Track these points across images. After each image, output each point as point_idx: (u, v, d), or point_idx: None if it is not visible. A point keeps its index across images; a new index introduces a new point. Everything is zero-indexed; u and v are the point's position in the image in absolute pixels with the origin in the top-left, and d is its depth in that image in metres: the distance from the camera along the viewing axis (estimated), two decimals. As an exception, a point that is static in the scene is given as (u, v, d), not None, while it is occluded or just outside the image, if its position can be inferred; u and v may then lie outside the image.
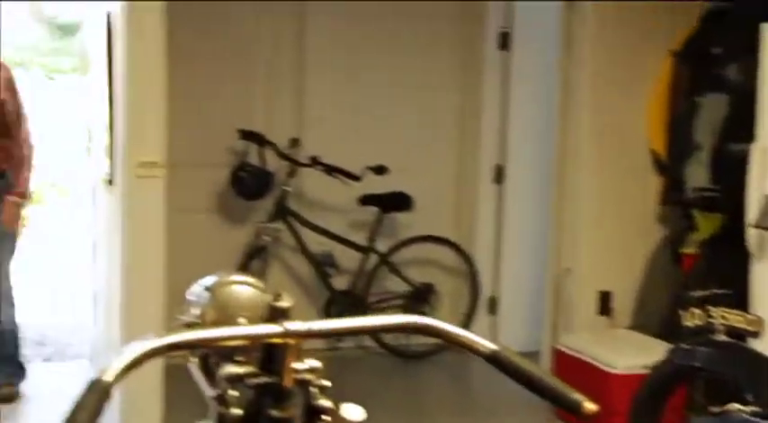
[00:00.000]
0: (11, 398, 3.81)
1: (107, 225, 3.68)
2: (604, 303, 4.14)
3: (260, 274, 4.14)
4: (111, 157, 3.43)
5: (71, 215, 7.88)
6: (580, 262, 4.12)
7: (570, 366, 3.73)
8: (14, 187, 3.75)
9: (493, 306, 4.95)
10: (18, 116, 3.76)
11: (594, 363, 3.63)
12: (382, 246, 4.58)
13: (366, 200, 4.46)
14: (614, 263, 4.12)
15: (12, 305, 3.84)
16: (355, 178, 4.30)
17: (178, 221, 3.72)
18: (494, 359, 1.05)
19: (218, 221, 4.47)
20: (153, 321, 3.18)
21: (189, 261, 3.88)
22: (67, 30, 10.91)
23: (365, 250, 4.53)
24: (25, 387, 3.92)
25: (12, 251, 3.84)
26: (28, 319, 4.08)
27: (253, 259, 4.23)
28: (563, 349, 3.87)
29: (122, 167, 3.23)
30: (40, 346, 4.83)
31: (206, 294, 1.19)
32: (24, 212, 3.89)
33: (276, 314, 1.05)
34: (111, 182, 3.49)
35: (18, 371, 3.91)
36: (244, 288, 1.19)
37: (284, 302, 1.06)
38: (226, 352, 1.12)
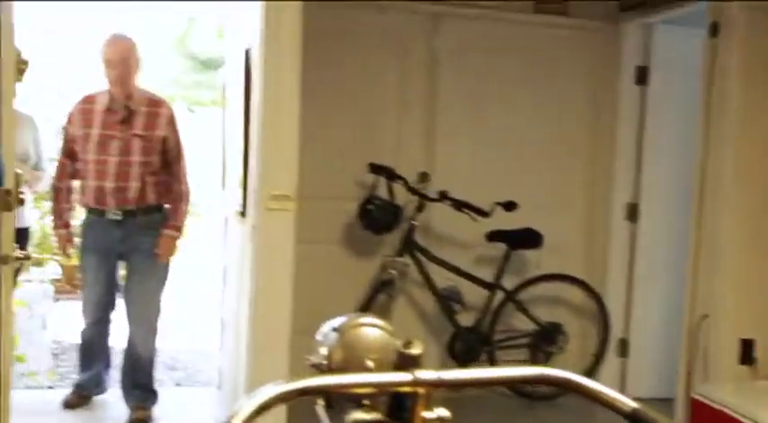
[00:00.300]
0: (143, 421, 3.92)
1: (238, 255, 3.76)
2: (746, 352, 3.90)
3: (385, 308, 4.14)
4: (245, 189, 3.51)
5: (205, 243, 8.14)
6: (720, 307, 3.90)
7: (709, 418, 3.52)
8: (172, 221, 3.94)
9: (623, 348, 4.77)
10: (178, 152, 3.97)
11: (737, 416, 3.41)
12: (509, 283, 4.49)
13: (494, 236, 4.40)
14: (758, 309, 3.88)
15: (154, 333, 3.99)
16: (484, 214, 4.25)
17: (306, 253, 3.77)
18: (634, 417, 0.99)
19: (346, 254, 4.50)
20: (279, 351, 3.21)
21: (316, 292, 3.96)
22: (209, 64, 11.39)
23: (492, 287, 4.46)
24: (156, 411, 4.03)
25: (164, 281, 4.00)
26: (162, 343, 4.20)
27: (379, 293, 4.23)
28: (701, 399, 3.66)
29: (254, 200, 3.29)
30: (171, 371, 4.98)
31: (334, 335, 1.18)
32: (178, 244, 4.00)
33: (406, 362, 1.02)
34: (243, 213, 3.56)
35: (150, 395, 4.03)
36: (372, 330, 1.17)
37: (415, 350, 1.03)
38: (353, 396, 1.10)
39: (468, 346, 4.41)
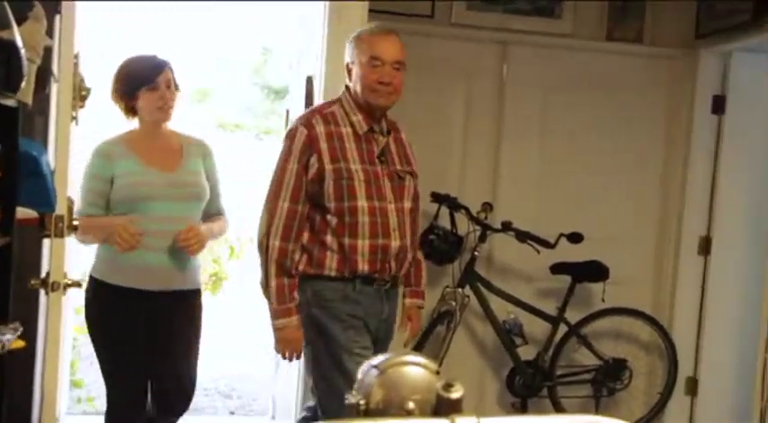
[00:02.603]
0: None
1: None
2: (824, 395, 3.71)
3: (444, 340, 4.05)
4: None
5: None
6: (796, 347, 3.72)
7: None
8: (415, 287, 3.08)
9: (692, 387, 4.59)
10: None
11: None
12: (573, 316, 4.36)
13: (558, 268, 4.29)
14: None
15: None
16: (548, 245, 4.14)
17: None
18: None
19: (406, 283, 4.44)
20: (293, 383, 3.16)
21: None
22: (280, 93, 11.57)
23: (554, 320, 4.34)
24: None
25: None
26: (219, 371, 4.17)
27: (437, 324, 4.15)
28: (774, 444, 3.49)
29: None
30: (226, 399, 4.96)
31: (375, 373, 1.13)
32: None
33: (446, 406, 0.95)
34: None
35: None
36: (415, 369, 1.11)
37: (455, 393, 0.96)
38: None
39: (528, 380, 4.29)
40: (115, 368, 2.97)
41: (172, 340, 3.02)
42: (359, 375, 1.13)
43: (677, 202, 4.61)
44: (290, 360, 2.85)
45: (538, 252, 4.15)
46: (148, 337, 2.95)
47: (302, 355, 2.81)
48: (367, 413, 1.07)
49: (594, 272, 4.29)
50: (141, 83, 2.93)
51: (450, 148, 4.46)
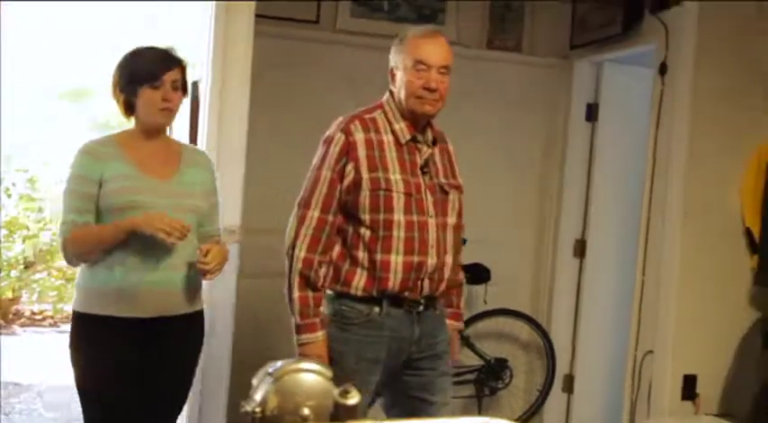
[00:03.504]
0: None
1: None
2: (689, 388, 3.94)
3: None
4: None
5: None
6: (664, 343, 3.93)
7: (652, 455, 3.53)
8: (456, 308, 2.86)
9: (569, 384, 4.77)
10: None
11: (679, 453, 3.43)
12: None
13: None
14: (701, 345, 3.92)
15: None
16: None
17: (250, 287, 3.71)
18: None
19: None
20: (219, 390, 3.14)
21: (258, 326, 3.88)
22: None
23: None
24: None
25: None
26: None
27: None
28: (645, 436, 3.67)
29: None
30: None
31: (270, 380, 1.14)
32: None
33: (343, 412, 0.98)
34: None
35: None
36: (310, 376, 1.13)
37: (352, 399, 0.99)
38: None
39: (414, 381, 4.36)
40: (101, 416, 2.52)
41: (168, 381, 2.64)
42: (254, 382, 1.14)
43: (554, 206, 4.79)
44: None
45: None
46: (141, 378, 2.54)
47: None
48: (263, 420, 1.09)
49: (477, 274, 4.40)
50: (144, 79, 2.55)
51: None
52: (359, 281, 2.50)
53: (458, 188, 2.67)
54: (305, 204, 2.54)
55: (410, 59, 2.50)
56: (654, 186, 4.05)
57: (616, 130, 4.69)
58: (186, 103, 3.65)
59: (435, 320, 2.63)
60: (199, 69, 3.36)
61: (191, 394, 2.84)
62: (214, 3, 3.12)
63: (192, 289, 2.63)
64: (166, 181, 2.60)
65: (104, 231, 2.50)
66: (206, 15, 3.22)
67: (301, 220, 2.53)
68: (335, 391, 1.02)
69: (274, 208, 4.25)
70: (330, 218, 2.51)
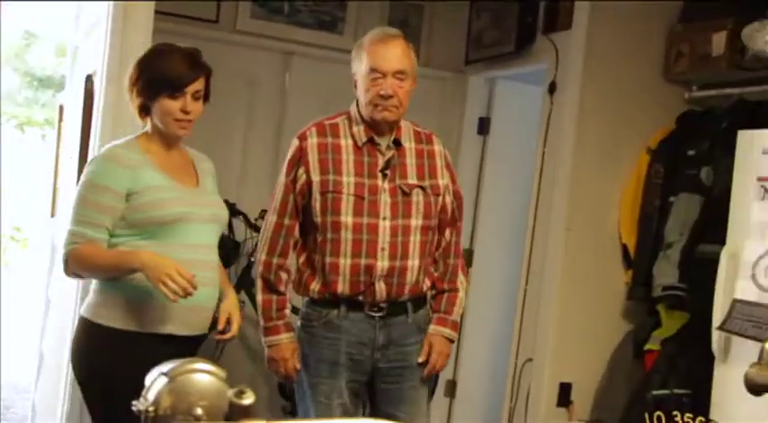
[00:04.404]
0: None
1: (63, 284, 3.59)
2: (564, 395, 4.10)
3: (217, 344, 4.04)
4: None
5: (31, 273, 7.74)
6: (542, 352, 4.09)
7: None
8: (443, 314, 2.74)
9: (451, 389, 4.88)
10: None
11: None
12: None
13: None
14: (577, 355, 4.09)
15: None
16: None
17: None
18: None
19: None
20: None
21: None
22: (46, 82, 10.93)
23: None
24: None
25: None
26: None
27: (211, 329, 4.13)
28: (521, 441, 3.81)
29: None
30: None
31: (163, 380, 1.15)
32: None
33: (237, 412, 1.00)
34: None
35: None
36: (203, 377, 1.15)
37: (246, 399, 1.02)
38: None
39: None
40: None
41: None
42: (148, 381, 1.15)
43: (444, 216, 4.89)
44: (286, 380, 2.66)
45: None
46: None
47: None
48: (155, 420, 1.10)
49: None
50: (164, 88, 2.34)
51: (229, 155, 4.46)
52: (315, 284, 2.54)
53: (427, 188, 2.59)
54: (270, 211, 2.59)
55: (365, 67, 2.51)
56: (539, 201, 4.21)
57: (506, 145, 4.84)
58: (78, 97, 3.58)
59: (406, 328, 2.60)
60: (93, 63, 3.29)
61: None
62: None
63: (215, 306, 2.49)
64: (197, 190, 2.46)
65: (110, 261, 2.28)
66: (103, 8, 3.16)
67: (264, 226, 2.61)
68: (230, 392, 1.04)
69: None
70: (286, 221, 2.54)
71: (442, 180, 2.64)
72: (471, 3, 4.76)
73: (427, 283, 2.63)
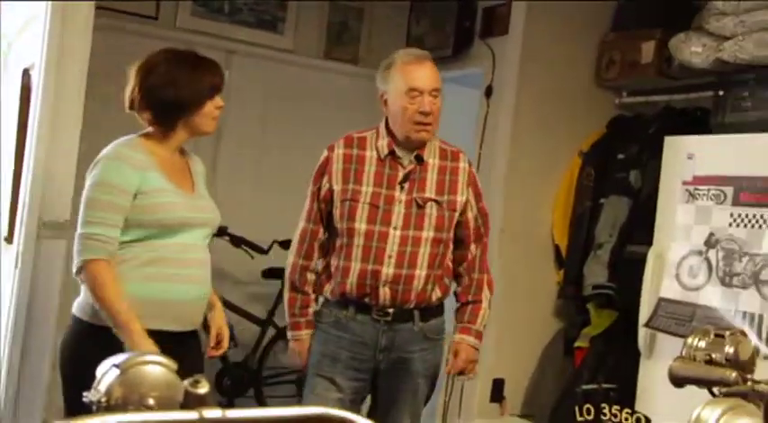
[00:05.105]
0: None
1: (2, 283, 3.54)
2: (497, 391, 4.20)
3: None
4: (13, 214, 3.32)
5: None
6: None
7: (461, 454, 3.74)
8: (467, 323, 2.81)
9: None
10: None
11: (486, 451, 3.66)
12: (282, 320, 4.53)
13: (270, 273, 4.44)
14: (509, 352, 4.20)
15: None
16: (262, 251, 4.28)
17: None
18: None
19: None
20: (39, 386, 3.06)
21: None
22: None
23: (264, 323, 4.49)
24: None
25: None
26: None
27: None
28: (455, 436, 3.89)
29: (23, 226, 3.13)
30: None
31: (115, 372, 1.17)
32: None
33: (193, 401, 1.04)
34: (9, 240, 3.37)
35: None
36: (155, 368, 1.18)
37: (202, 389, 1.05)
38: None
39: (235, 381, 4.40)
40: None
41: None
42: (99, 373, 1.18)
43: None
44: (302, 371, 2.81)
45: (252, 257, 4.28)
46: None
47: None
48: (108, 409, 1.12)
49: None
50: (181, 109, 2.38)
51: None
52: (330, 285, 2.71)
53: (443, 203, 2.67)
54: (300, 217, 2.78)
55: (402, 86, 2.61)
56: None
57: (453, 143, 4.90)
58: (14, 90, 3.53)
59: (411, 335, 2.68)
60: (31, 58, 3.26)
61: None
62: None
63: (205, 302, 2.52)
64: (194, 195, 2.48)
65: (114, 311, 2.24)
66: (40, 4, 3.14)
67: (296, 231, 2.78)
68: (186, 382, 1.08)
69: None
70: (311, 226, 2.74)
71: (462, 196, 2.72)
72: (411, 6, 4.83)
73: (438, 293, 2.71)
